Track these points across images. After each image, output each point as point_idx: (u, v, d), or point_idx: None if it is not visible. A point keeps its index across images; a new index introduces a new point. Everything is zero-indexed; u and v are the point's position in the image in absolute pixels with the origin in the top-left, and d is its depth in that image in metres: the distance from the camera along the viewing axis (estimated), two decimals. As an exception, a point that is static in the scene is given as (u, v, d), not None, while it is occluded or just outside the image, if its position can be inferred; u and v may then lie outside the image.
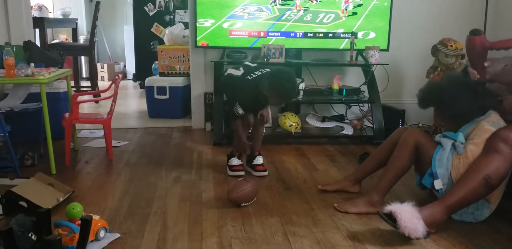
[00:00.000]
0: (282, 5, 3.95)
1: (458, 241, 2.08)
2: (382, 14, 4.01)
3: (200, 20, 3.93)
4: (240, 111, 2.85)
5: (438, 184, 2.26)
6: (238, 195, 2.42)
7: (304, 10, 3.96)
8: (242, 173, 2.96)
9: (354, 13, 3.99)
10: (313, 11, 3.98)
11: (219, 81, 3.13)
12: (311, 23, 4.00)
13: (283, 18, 3.97)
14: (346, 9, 3.98)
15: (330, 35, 4.02)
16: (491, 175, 2.09)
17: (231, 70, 2.96)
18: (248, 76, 2.83)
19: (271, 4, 3.94)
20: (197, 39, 3.98)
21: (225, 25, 3.95)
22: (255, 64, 3.01)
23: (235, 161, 3.01)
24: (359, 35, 4.01)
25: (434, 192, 2.34)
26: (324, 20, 4.00)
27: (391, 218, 2.02)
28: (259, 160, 3.04)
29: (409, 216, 1.99)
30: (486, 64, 2.36)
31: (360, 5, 3.98)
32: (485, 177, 2.08)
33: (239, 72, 2.90)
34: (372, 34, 4.04)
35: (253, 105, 2.91)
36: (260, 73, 2.85)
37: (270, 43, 3.94)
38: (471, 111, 2.29)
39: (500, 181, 2.14)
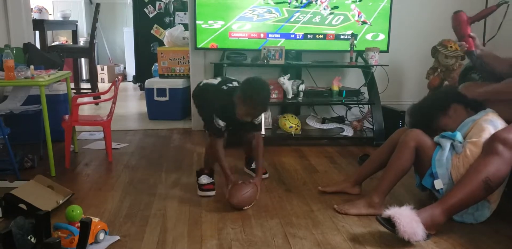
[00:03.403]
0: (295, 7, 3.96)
1: (458, 242, 2.07)
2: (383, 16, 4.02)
3: (210, 22, 3.93)
4: (221, 123, 2.59)
5: (438, 184, 2.26)
6: (240, 199, 2.41)
7: (331, 9, 3.98)
8: (213, 193, 2.65)
9: (370, 25, 4.02)
10: (322, 13, 3.98)
11: (193, 92, 2.87)
12: (320, 25, 4.00)
13: (292, 20, 3.98)
14: (360, 20, 4.00)
15: (330, 36, 4.02)
16: (491, 177, 2.08)
17: (206, 81, 2.81)
18: (224, 86, 2.65)
19: (279, 4, 3.94)
20: (207, 41, 3.97)
21: (234, 27, 3.95)
22: (234, 78, 2.79)
23: (205, 179, 2.71)
24: (368, 37, 4.02)
25: (434, 192, 2.34)
26: (333, 22, 4.00)
27: (389, 223, 2.01)
28: None
29: (408, 220, 1.98)
30: (472, 34, 2.64)
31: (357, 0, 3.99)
32: (485, 179, 2.08)
33: (215, 81, 2.75)
34: (381, 36, 4.06)
35: (231, 119, 2.61)
36: (238, 85, 2.66)
37: (279, 44, 3.95)
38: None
39: (500, 183, 2.14)
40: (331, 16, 3.99)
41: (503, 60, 2.57)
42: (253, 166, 2.95)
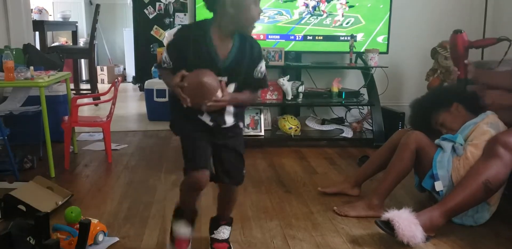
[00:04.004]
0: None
1: (458, 244, 2.07)
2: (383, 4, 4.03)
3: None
4: (167, 60, 1.78)
5: (438, 186, 2.26)
6: (214, 78, 1.69)
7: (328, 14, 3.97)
8: None
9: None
10: (332, 15, 3.98)
11: None
12: (330, 27, 4.00)
13: (303, 22, 3.97)
14: (340, 21, 4.01)
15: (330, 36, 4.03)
16: (490, 180, 2.09)
17: None
18: None
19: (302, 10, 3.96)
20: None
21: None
22: None
23: (181, 228, 1.92)
24: (379, 39, 4.02)
25: (434, 194, 2.34)
26: (344, 24, 4.00)
27: (388, 226, 2.01)
28: (223, 232, 1.98)
29: (407, 223, 1.98)
30: (466, 61, 2.49)
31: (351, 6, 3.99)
32: (485, 181, 2.08)
33: None
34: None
35: (196, 51, 1.72)
36: None
37: (289, 46, 3.96)
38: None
39: (499, 186, 2.14)
40: (342, 18, 3.99)
41: (500, 73, 2.58)
42: (214, 235, 1.99)
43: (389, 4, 4.00)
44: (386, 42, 4.05)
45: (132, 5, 6.44)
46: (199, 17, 3.90)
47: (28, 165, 3.10)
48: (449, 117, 2.43)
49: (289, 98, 3.80)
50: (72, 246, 1.91)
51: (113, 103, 3.34)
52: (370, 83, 3.94)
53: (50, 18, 7.04)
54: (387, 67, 4.02)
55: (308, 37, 4.00)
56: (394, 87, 4.29)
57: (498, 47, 2.65)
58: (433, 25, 4.31)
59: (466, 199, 2.11)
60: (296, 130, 3.83)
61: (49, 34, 6.99)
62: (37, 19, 5.69)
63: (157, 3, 6.27)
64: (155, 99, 4.75)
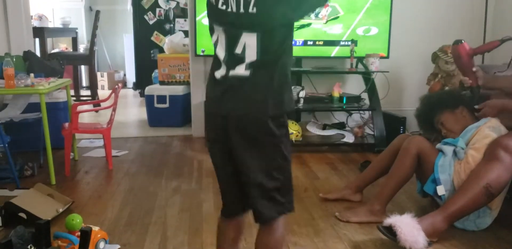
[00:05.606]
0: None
1: (460, 250, 2.06)
2: (384, 7, 3.96)
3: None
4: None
5: (440, 190, 2.25)
6: None
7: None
8: None
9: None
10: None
11: None
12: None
13: None
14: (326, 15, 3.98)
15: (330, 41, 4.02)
16: (491, 184, 2.08)
17: None
18: None
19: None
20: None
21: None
22: None
23: None
24: (360, 31, 3.98)
25: (436, 198, 2.33)
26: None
27: (390, 232, 2.00)
28: None
29: (409, 229, 1.98)
30: (474, 69, 2.43)
31: None
32: (486, 185, 2.08)
33: None
34: (374, 30, 3.98)
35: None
36: None
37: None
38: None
39: (500, 189, 2.13)
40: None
41: (505, 77, 2.58)
42: None
43: (390, 7, 3.99)
44: (367, 34, 3.99)
45: (132, 11, 6.44)
46: (199, 23, 3.91)
47: (29, 172, 3.09)
48: (452, 118, 2.43)
49: (290, 103, 3.78)
50: (73, 254, 1.90)
51: (114, 110, 3.34)
52: (371, 88, 3.94)
53: (50, 25, 7.03)
54: (388, 72, 4.01)
55: (309, 42, 4.00)
56: (395, 92, 4.28)
57: (500, 48, 2.64)
58: (434, 30, 4.31)
59: (467, 203, 2.10)
60: (297, 135, 3.83)
61: (49, 40, 7.00)
62: (37, 25, 5.68)
63: (157, 9, 6.27)
64: (156, 105, 4.74)
